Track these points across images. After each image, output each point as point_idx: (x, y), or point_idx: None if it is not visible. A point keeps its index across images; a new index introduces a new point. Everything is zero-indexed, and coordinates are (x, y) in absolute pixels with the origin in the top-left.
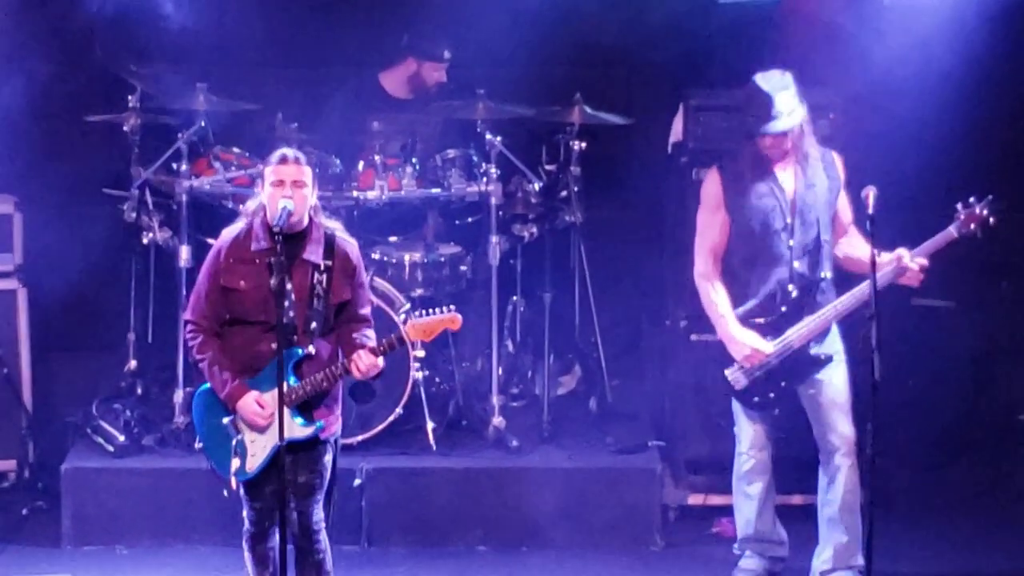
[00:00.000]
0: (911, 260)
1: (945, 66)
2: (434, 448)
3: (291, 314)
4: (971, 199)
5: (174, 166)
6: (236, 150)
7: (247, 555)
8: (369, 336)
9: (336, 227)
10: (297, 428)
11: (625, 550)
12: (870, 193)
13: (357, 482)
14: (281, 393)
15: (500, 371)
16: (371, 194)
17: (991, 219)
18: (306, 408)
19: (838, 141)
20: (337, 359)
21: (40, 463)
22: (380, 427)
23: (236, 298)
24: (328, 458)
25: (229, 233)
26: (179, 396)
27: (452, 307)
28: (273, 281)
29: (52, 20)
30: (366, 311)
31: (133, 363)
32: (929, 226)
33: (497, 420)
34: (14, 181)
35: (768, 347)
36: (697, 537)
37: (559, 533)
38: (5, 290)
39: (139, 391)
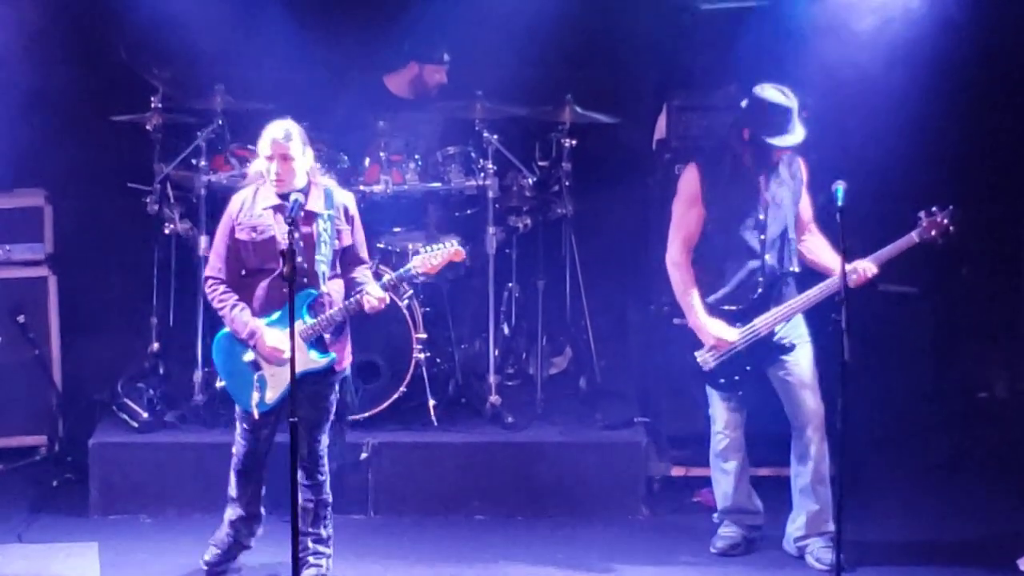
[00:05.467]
0: (866, 268)
1: (909, 67)
2: (435, 424)
3: (300, 260)
4: (933, 208)
5: (193, 162)
6: (251, 147)
7: (235, 480)
8: (367, 276)
9: (331, 183)
10: (314, 360)
11: (613, 519)
12: (840, 187)
13: (364, 456)
14: (292, 330)
15: (496, 352)
16: (377, 188)
17: (951, 228)
18: (320, 343)
19: (810, 138)
20: (343, 298)
21: (69, 438)
22: (385, 404)
23: (251, 249)
24: (334, 396)
25: (239, 196)
26: (198, 376)
27: (455, 241)
28: (285, 269)
29: (80, 27)
30: (364, 253)
31: (156, 345)
32: (893, 216)
33: (494, 398)
34: (46, 176)
35: (733, 335)
36: (679, 506)
37: (551, 503)
38: (37, 277)
39: (161, 371)
